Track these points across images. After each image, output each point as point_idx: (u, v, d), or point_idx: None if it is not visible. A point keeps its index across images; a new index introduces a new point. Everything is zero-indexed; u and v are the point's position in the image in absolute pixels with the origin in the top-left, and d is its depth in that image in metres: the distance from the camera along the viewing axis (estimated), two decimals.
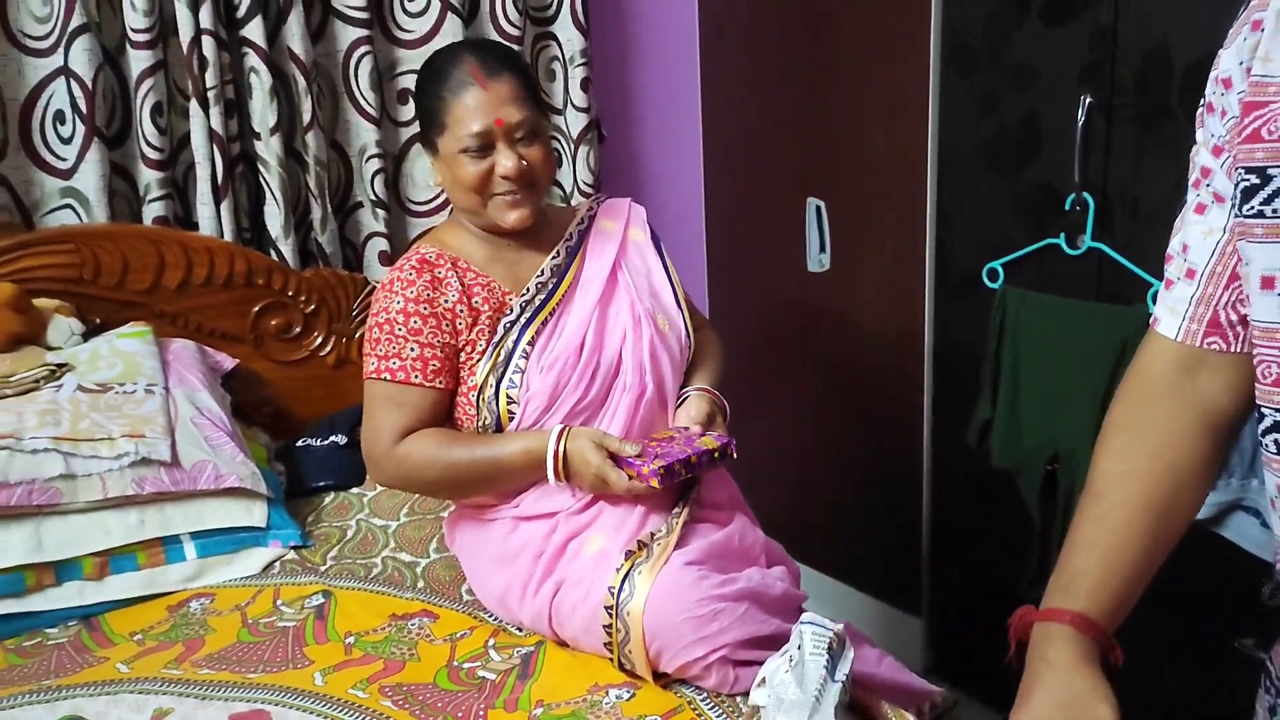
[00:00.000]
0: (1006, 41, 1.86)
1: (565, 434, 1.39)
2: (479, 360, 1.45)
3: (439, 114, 1.45)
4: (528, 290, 1.49)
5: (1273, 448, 0.80)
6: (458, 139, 1.43)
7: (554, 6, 2.36)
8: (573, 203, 2.42)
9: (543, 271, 1.51)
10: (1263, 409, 0.80)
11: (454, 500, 1.56)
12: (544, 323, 1.47)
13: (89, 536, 1.54)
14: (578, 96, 2.37)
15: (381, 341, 1.44)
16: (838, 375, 2.45)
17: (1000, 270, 1.94)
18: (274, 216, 2.07)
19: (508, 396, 1.43)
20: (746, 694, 1.26)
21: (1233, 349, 0.85)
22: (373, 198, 2.21)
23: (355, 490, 1.86)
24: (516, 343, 1.45)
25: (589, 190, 2.41)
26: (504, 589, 1.44)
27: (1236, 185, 0.78)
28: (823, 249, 2.41)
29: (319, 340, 2.07)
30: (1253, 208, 0.77)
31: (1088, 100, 1.72)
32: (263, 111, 2.03)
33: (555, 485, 1.41)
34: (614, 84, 2.55)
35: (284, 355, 2.05)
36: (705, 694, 1.29)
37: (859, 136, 2.24)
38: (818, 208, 2.39)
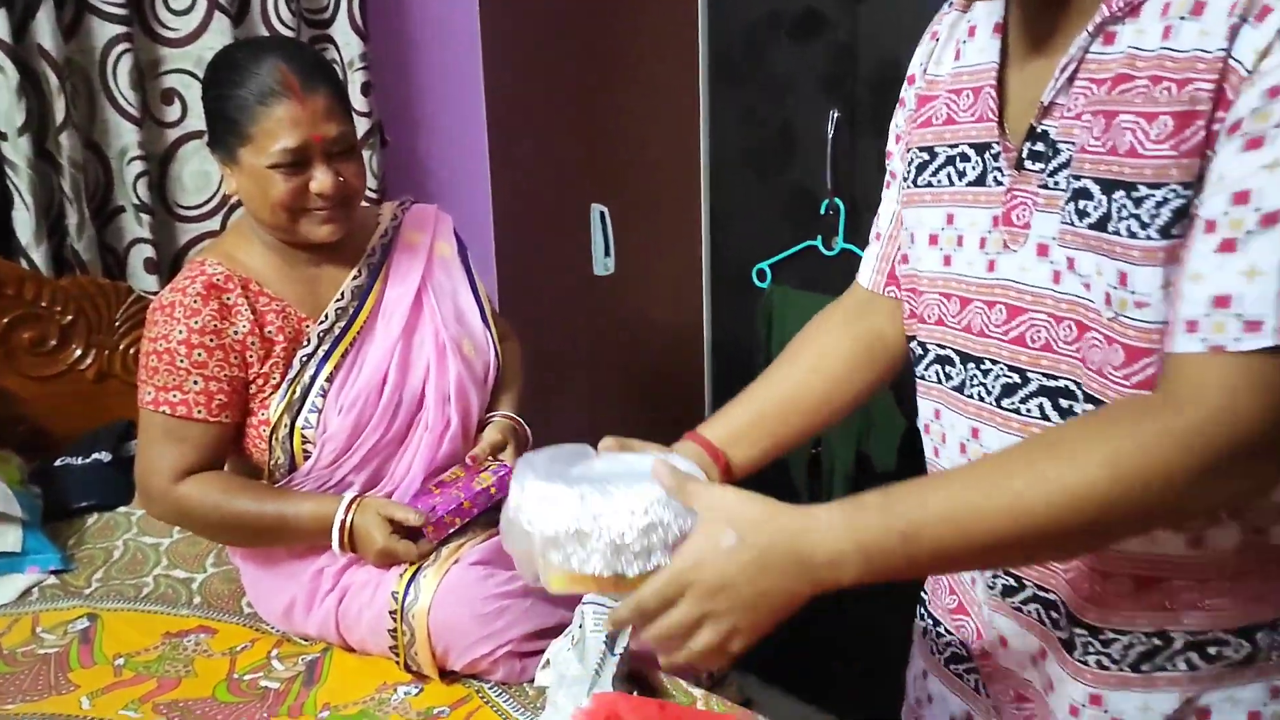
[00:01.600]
0: (763, 56, 2.00)
1: (354, 505, 1.34)
2: (271, 394, 1.37)
3: (243, 123, 1.32)
4: (326, 317, 1.40)
5: (932, 378, 0.95)
6: (268, 154, 1.31)
7: (330, 9, 2.32)
8: None
9: (342, 294, 1.42)
10: (925, 345, 0.95)
11: (237, 546, 1.49)
12: (344, 355, 1.39)
13: None
14: (358, 101, 2.34)
15: (160, 371, 1.34)
16: (625, 372, 2.54)
17: (768, 270, 2.08)
18: (23, 222, 1.94)
19: (303, 436, 1.37)
20: (534, 680, 1.31)
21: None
22: (136, 202, 2.10)
23: (122, 509, 1.77)
24: (314, 379, 1.37)
25: (373, 196, 2.39)
26: (288, 603, 1.41)
27: (910, 163, 0.95)
28: (607, 253, 2.49)
29: (78, 353, 1.95)
30: (924, 179, 0.93)
31: (835, 113, 1.88)
32: (9, 110, 1.89)
33: (339, 554, 1.36)
34: (395, 88, 2.53)
35: (38, 370, 1.92)
36: (493, 681, 1.32)
37: (638, 143, 2.34)
38: (601, 213, 2.46)
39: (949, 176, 0.90)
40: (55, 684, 1.33)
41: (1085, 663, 0.87)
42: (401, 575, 1.33)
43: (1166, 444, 0.70)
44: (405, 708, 1.27)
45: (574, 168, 2.50)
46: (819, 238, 1.98)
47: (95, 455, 1.85)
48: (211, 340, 1.35)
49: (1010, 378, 0.85)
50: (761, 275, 2.10)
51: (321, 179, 1.35)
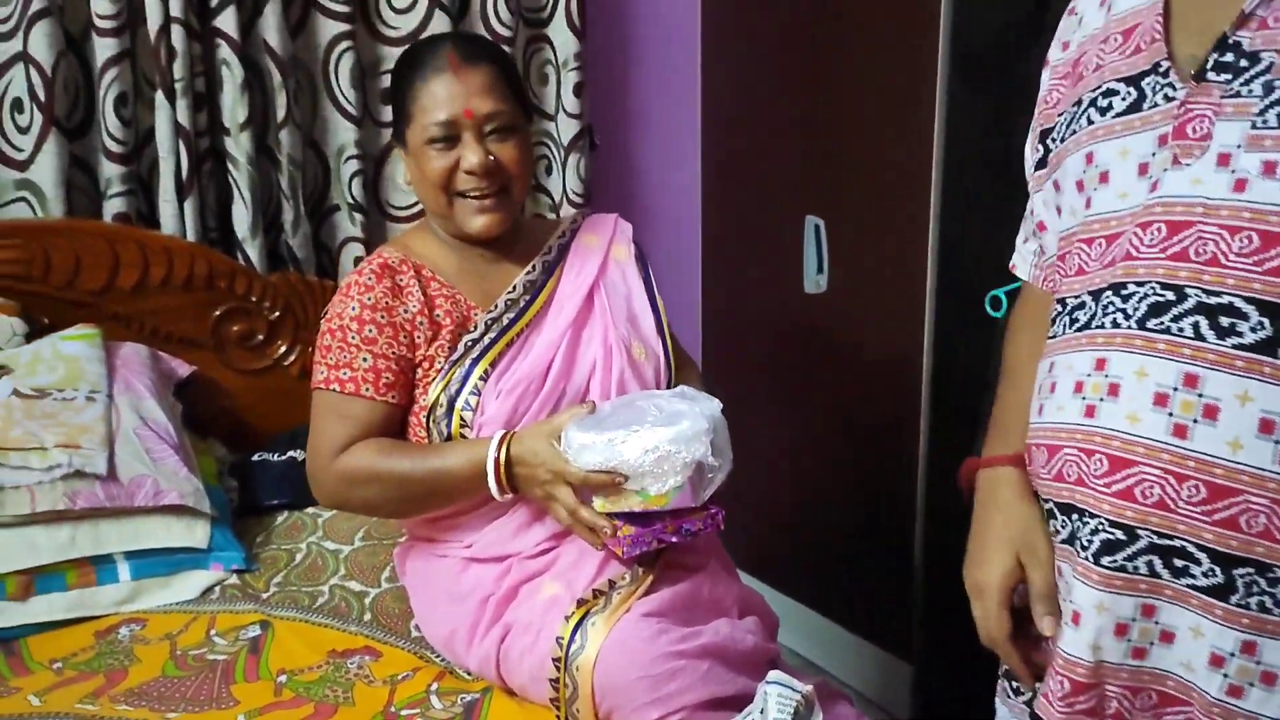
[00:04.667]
0: (1017, 61, 1.74)
1: (509, 438, 1.26)
2: (435, 379, 1.34)
3: (408, 102, 1.34)
4: (496, 307, 1.38)
5: (1057, 331, 0.93)
6: (424, 128, 1.32)
7: (549, 8, 2.26)
8: (561, 213, 2.32)
9: (515, 288, 1.40)
10: (1062, 300, 0.92)
11: (398, 519, 1.45)
12: (509, 344, 1.35)
13: (14, 553, 1.44)
14: (570, 102, 2.27)
15: (333, 349, 1.33)
16: (831, 401, 2.34)
17: (1004, 298, 1.83)
18: (241, 217, 1.97)
19: (461, 419, 1.31)
20: None
21: None
22: (350, 201, 2.11)
23: (310, 510, 1.75)
24: (476, 361, 1.33)
25: (579, 200, 2.31)
26: (451, 630, 1.33)
27: (1061, 125, 0.95)
28: (820, 269, 2.30)
29: (283, 349, 1.97)
30: (1070, 131, 0.93)
31: None
32: (233, 106, 1.93)
33: (500, 498, 1.27)
34: (610, 90, 2.45)
35: (246, 364, 1.95)
36: None
37: (862, 153, 2.14)
38: (816, 226, 2.28)
39: (1088, 118, 0.90)
40: (217, 696, 1.30)
41: (1246, 606, 0.79)
42: (568, 619, 1.21)
43: None
44: None
45: (791, 176, 2.32)
46: None
47: (290, 453, 1.85)
48: (382, 317, 1.33)
49: (1162, 296, 0.81)
50: (996, 303, 1.84)
51: (470, 157, 1.32)
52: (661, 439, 1.18)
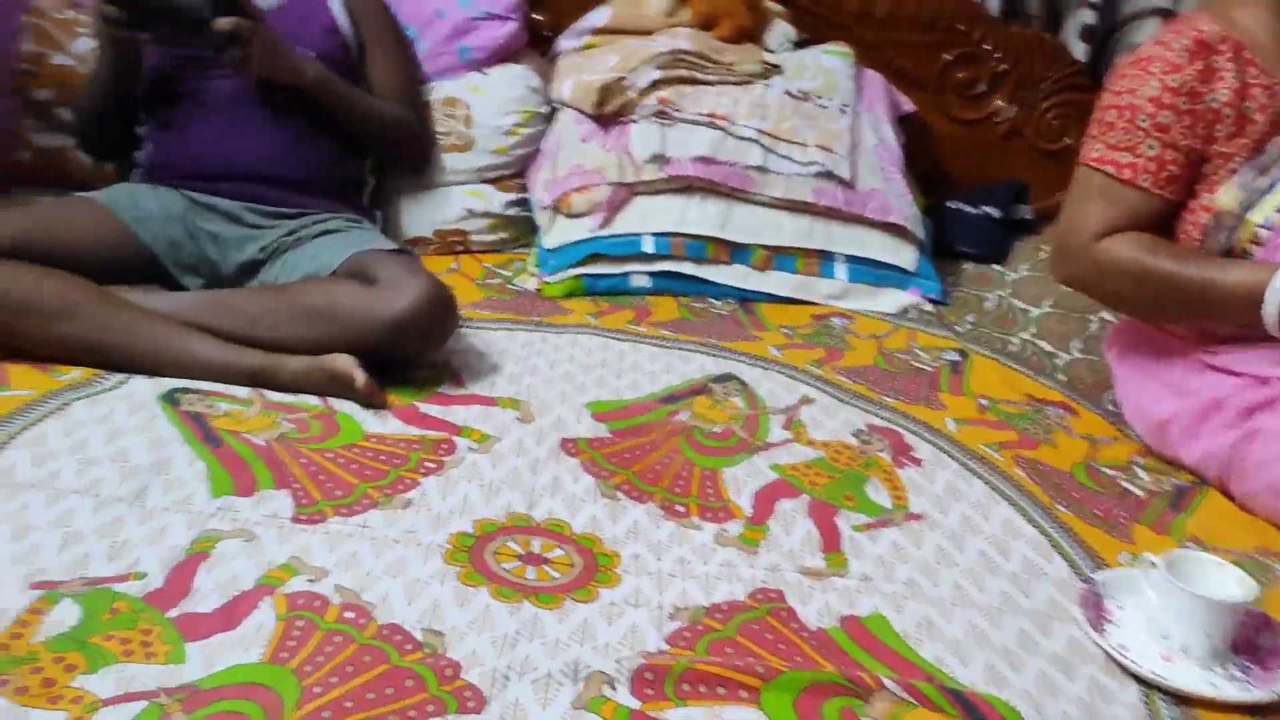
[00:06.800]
0: None
1: None
2: (1227, 177, 1.20)
3: None
4: None
5: None
6: None
7: None
8: None
9: None
10: None
11: (1143, 320, 1.36)
12: None
13: (765, 229, 1.65)
14: None
15: (1116, 128, 1.23)
16: None
17: None
18: None
19: (1254, 234, 1.17)
20: None
21: None
22: None
23: (997, 266, 1.78)
24: None
25: None
26: (1168, 417, 1.27)
27: None
28: None
29: (998, 104, 1.95)
30: None
31: None
32: None
33: (1275, 333, 1.14)
34: None
35: (959, 112, 1.97)
36: None
37: None
38: None
39: None
40: (926, 397, 1.40)
41: None
42: None
43: None
44: None
45: None
46: None
47: (984, 208, 1.86)
48: (1184, 103, 1.20)
49: None
50: None
51: None
52: None
